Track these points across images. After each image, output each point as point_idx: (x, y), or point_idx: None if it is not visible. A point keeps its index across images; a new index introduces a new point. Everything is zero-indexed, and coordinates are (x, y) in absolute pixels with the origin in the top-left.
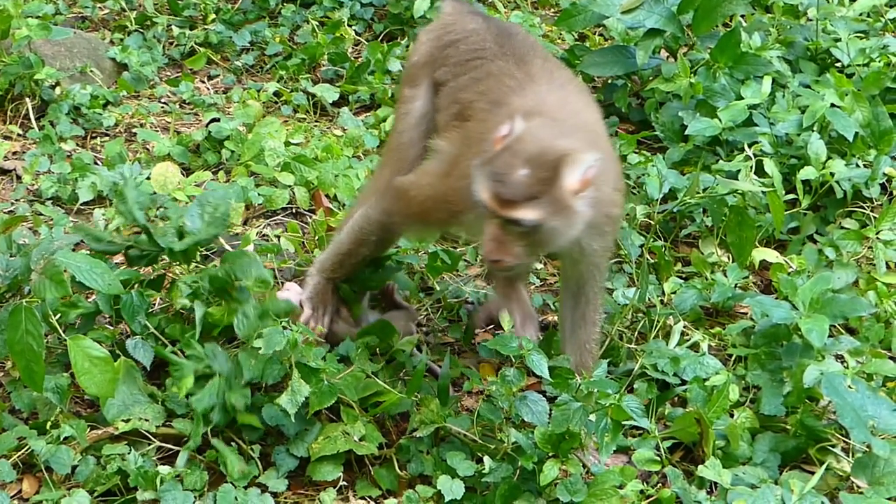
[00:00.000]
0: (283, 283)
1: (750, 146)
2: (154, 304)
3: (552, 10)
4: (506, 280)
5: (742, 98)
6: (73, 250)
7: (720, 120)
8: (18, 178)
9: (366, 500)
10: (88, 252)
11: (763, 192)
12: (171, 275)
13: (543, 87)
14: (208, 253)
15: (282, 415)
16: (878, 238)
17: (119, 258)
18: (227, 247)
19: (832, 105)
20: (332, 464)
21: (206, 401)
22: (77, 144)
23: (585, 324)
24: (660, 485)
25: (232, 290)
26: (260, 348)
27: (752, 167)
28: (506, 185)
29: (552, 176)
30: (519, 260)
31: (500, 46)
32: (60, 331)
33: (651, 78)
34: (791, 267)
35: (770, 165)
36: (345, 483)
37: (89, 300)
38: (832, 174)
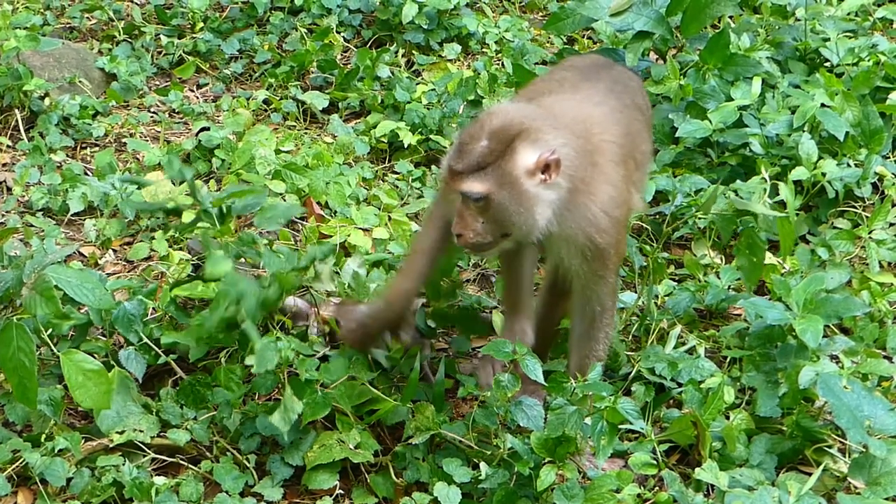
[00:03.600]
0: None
1: (765, 168)
2: (147, 314)
3: (540, 13)
4: (512, 316)
5: (732, 99)
6: (65, 262)
7: (711, 121)
8: (9, 189)
9: None
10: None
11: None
12: (164, 283)
13: (566, 95)
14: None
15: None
16: (870, 237)
17: (111, 269)
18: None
19: (822, 105)
20: (328, 472)
21: (233, 283)
22: (67, 155)
23: (588, 339)
24: (657, 488)
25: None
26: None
27: (766, 190)
28: (460, 156)
29: (504, 149)
30: (482, 238)
31: (582, 70)
32: (52, 346)
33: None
34: (784, 268)
35: (785, 190)
36: (341, 491)
37: (82, 311)
38: (824, 174)
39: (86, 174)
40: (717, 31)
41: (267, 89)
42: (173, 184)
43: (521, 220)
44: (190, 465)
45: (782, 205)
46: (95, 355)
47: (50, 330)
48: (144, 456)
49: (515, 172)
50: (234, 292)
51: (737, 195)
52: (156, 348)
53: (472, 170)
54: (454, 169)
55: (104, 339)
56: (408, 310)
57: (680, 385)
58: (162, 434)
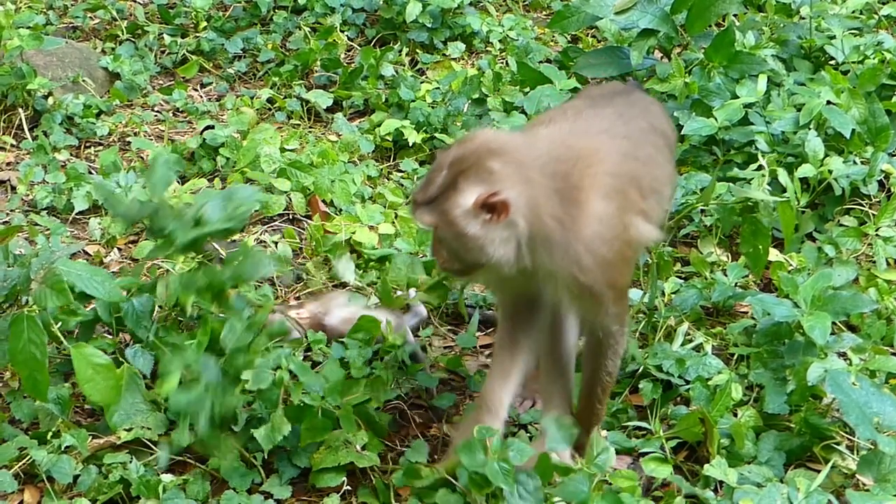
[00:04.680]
0: (300, 298)
1: (763, 156)
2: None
3: (544, 12)
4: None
5: (737, 97)
6: (71, 259)
7: (716, 119)
8: (13, 188)
9: None
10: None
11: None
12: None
13: (564, 125)
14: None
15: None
16: (877, 235)
17: (116, 267)
18: (221, 252)
19: (828, 102)
20: (335, 472)
21: (182, 401)
22: (71, 154)
23: (595, 357)
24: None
25: (228, 297)
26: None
27: (765, 175)
28: (423, 185)
29: (450, 184)
30: (451, 265)
31: (594, 98)
32: (63, 339)
33: (646, 78)
34: (791, 265)
35: (784, 176)
36: (349, 488)
37: (87, 308)
38: (830, 171)
39: (90, 173)
40: (721, 29)
41: (271, 88)
42: (178, 181)
43: (472, 257)
44: (197, 463)
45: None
46: (102, 352)
47: (59, 324)
48: (151, 454)
49: (453, 211)
50: (185, 409)
51: (736, 184)
52: (162, 347)
53: (425, 200)
54: (413, 197)
55: (110, 336)
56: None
57: (687, 382)
58: (170, 432)
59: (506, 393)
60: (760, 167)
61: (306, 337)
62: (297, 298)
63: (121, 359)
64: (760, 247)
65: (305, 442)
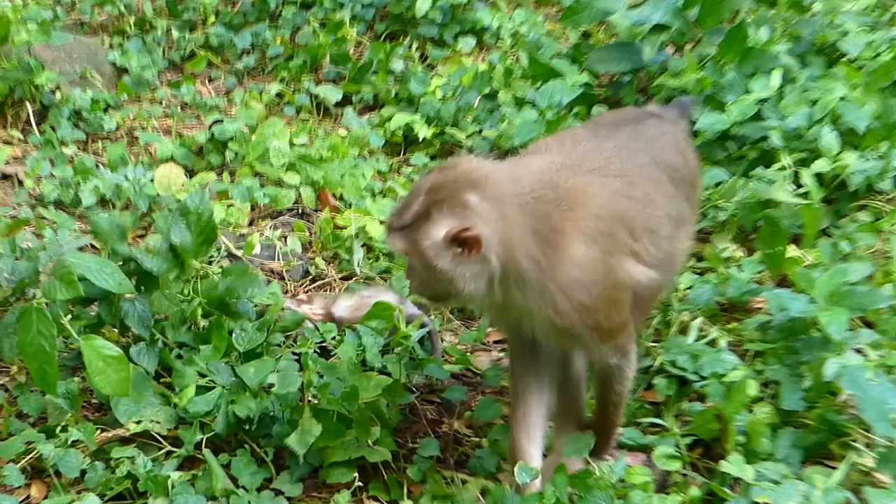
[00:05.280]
0: (307, 293)
1: (783, 154)
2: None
3: (555, 7)
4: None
5: (751, 92)
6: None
7: (729, 114)
8: (20, 182)
9: (380, 501)
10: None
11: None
12: None
13: (553, 157)
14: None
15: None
16: (892, 231)
17: None
18: (232, 247)
19: (842, 98)
20: (346, 467)
21: (200, 406)
22: (79, 148)
23: (603, 382)
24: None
25: (231, 305)
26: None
27: (787, 176)
28: (399, 210)
29: (423, 213)
30: (423, 293)
31: (599, 126)
32: (73, 332)
33: (658, 73)
34: (807, 260)
35: (808, 177)
36: (360, 484)
37: (91, 311)
38: (845, 167)
39: (97, 167)
40: (734, 24)
41: (280, 83)
42: (187, 175)
43: (443, 288)
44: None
45: (804, 196)
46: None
47: (69, 316)
48: (160, 449)
49: (424, 242)
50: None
51: (758, 183)
52: (168, 342)
53: (399, 226)
54: (388, 221)
55: (115, 331)
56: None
57: (702, 378)
58: (179, 426)
59: (534, 445)
60: (783, 167)
61: (318, 328)
62: (307, 292)
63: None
64: (779, 248)
65: (319, 445)
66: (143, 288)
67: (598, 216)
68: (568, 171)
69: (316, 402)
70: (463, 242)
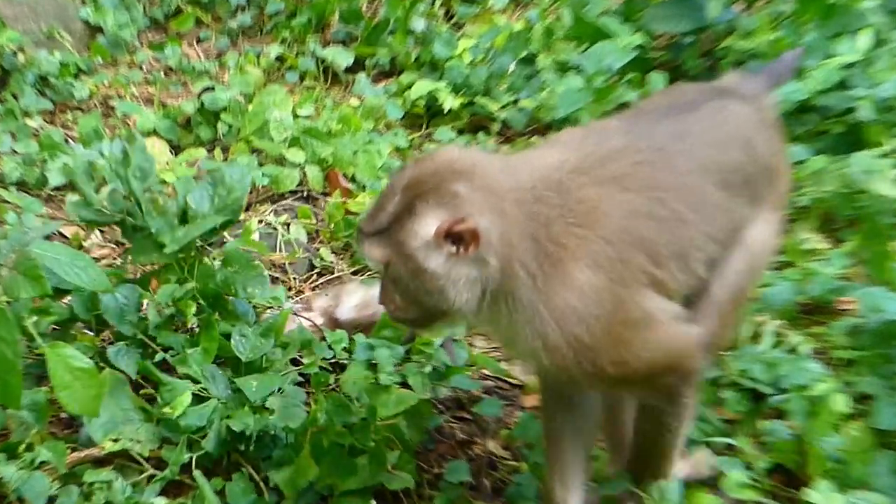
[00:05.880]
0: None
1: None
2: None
3: None
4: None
5: (835, 56)
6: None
7: (810, 82)
8: None
9: None
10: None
11: None
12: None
13: (568, 153)
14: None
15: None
16: None
17: (98, 253)
18: (227, 235)
19: None
20: (361, 496)
21: (193, 419)
22: (45, 120)
23: (646, 438)
24: None
25: (228, 303)
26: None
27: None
28: (372, 212)
29: (405, 209)
30: (405, 313)
31: (644, 112)
32: (38, 337)
33: (725, 34)
34: None
35: None
36: None
37: (63, 303)
38: None
39: (67, 142)
40: None
41: (280, 44)
42: (172, 151)
43: (432, 302)
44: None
45: None
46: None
47: (35, 318)
48: (141, 471)
49: (410, 242)
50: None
51: (853, 170)
52: (152, 345)
53: (375, 230)
54: (359, 226)
55: (90, 333)
56: None
57: (781, 392)
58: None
59: (571, 493)
60: (884, 154)
61: (324, 339)
62: (314, 289)
63: (100, 363)
64: (880, 249)
65: (324, 483)
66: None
67: (608, 240)
68: (582, 175)
69: (322, 429)
70: (458, 238)
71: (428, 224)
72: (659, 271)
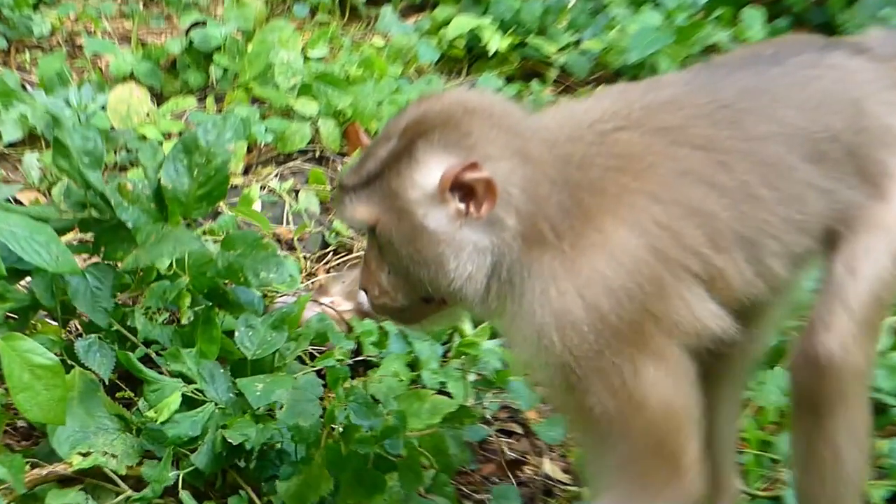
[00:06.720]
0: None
1: None
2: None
3: None
4: None
5: None
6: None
7: None
8: None
9: None
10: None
11: None
12: None
13: (627, 104)
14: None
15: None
16: None
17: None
18: (224, 207)
19: None
20: None
21: (185, 427)
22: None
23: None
24: None
25: (229, 292)
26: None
27: None
28: (359, 162)
29: (402, 152)
30: (392, 301)
31: (722, 65)
32: None
33: None
34: None
35: None
36: None
37: (21, 286)
38: None
39: (24, 88)
40: None
41: None
42: (153, 101)
43: (426, 276)
44: None
45: None
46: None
47: None
48: (117, 493)
49: (406, 193)
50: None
51: None
52: (132, 337)
53: (360, 182)
54: (340, 181)
55: (54, 323)
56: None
57: None
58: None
59: None
60: None
61: (350, 331)
62: (328, 271)
63: (66, 358)
64: None
65: (343, 501)
66: (104, 249)
67: (655, 198)
68: (625, 123)
69: (341, 435)
70: (468, 191)
71: (431, 170)
72: (718, 256)
